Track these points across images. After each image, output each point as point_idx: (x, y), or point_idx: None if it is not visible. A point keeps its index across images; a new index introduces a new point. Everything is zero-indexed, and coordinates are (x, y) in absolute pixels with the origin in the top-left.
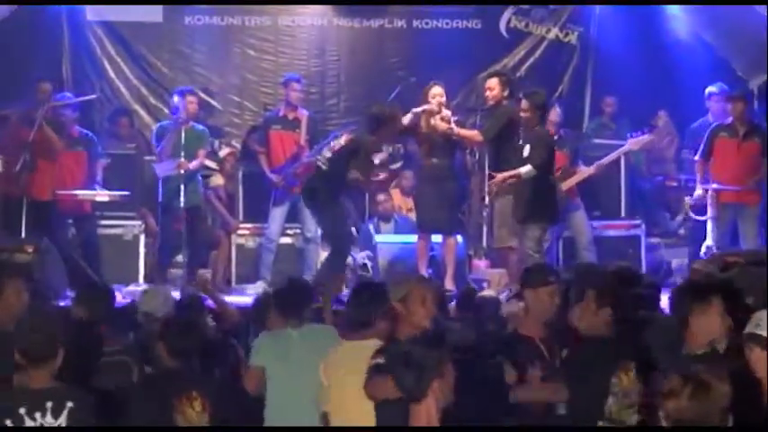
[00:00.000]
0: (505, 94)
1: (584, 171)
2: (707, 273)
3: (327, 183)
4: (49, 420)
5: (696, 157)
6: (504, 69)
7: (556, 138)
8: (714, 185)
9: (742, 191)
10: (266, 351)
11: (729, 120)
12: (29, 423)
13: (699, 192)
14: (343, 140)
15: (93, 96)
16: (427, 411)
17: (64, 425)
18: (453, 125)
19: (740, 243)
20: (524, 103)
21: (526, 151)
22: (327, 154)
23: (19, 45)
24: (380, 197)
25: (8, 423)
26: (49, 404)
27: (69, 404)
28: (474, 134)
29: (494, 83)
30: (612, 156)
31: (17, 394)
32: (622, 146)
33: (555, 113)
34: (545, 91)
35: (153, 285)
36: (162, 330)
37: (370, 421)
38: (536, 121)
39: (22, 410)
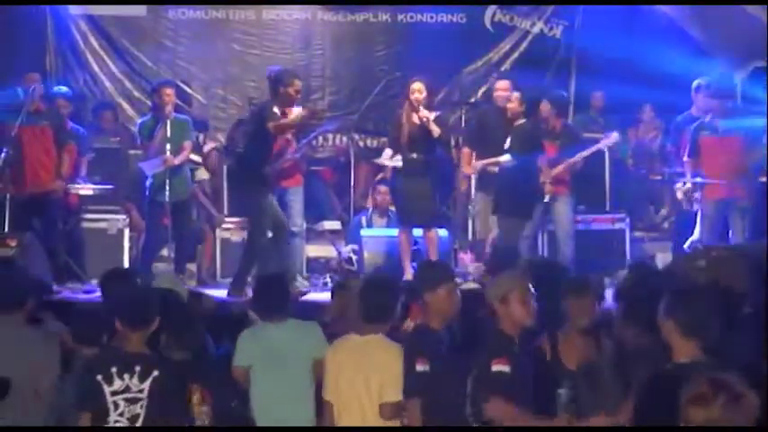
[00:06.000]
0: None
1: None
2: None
3: None
4: (135, 383)
5: (685, 158)
6: (489, 63)
7: (551, 129)
8: (698, 180)
9: (730, 186)
10: (248, 349)
11: (709, 117)
12: (117, 382)
13: (688, 185)
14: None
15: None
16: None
17: (147, 389)
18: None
19: (730, 239)
20: (514, 96)
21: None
22: None
23: (2, 38)
24: (381, 188)
25: (99, 378)
26: (138, 368)
27: (155, 372)
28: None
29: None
30: (586, 152)
31: (111, 354)
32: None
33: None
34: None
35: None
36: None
37: (370, 416)
38: (521, 116)
39: (113, 369)
